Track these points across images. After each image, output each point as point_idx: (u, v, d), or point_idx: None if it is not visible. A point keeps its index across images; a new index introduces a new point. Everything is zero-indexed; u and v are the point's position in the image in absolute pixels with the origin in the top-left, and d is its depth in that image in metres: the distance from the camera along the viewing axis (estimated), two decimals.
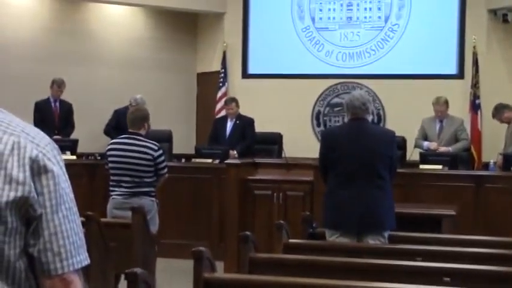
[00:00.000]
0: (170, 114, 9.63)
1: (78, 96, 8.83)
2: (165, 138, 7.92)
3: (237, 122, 8.01)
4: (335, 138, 4.61)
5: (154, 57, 9.83)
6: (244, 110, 8.21)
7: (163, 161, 5.28)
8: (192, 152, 7.91)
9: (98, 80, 9.42)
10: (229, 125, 8.04)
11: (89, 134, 8.91)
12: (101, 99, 9.29)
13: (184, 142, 9.37)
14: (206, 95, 9.93)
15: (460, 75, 8.87)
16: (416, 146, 7.76)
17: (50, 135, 1.55)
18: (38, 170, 1.42)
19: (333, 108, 9.30)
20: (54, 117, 8.40)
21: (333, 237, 4.45)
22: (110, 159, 5.30)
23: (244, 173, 6.69)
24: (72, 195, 1.48)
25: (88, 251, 1.50)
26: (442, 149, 7.55)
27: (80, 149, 7.89)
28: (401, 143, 7.40)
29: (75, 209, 1.48)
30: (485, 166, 7.71)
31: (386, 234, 4.42)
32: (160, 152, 5.27)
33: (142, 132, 5.32)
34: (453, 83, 8.80)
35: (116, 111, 8.43)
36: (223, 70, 9.57)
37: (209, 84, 9.82)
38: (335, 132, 4.93)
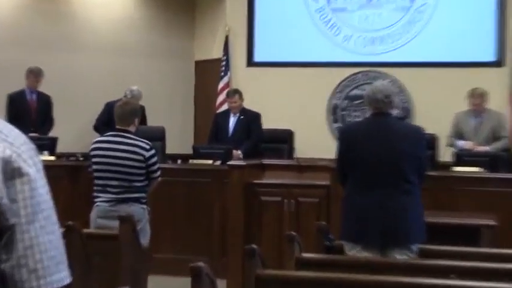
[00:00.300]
0: (163, 108, 9.63)
1: (58, 87, 8.83)
2: (157, 136, 7.92)
3: (241, 117, 8.01)
4: (354, 136, 4.60)
5: (146, 42, 9.83)
6: (249, 104, 8.20)
7: (155, 163, 5.28)
8: (190, 151, 7.90)
9: (80, 68, 9.42)
10: (232, 120, 8.04)
11: (71, 131, 8.92)
12: (84, 91, 9.30)
13: (180, 140, 9.36)
14: (205, 86, 9.92)
15: (498, 63, 8.84)
16: (449, 144, 7.73)
17: (26, 132, 1.53)
18: (11, 173, 1.40)
19: (352, 101, 9.27)
20: (30, 112, 8.40)
21: (353, 251, 4.43)
22: (94, 160, 5.30)
23: (250, 176, 6.68)
24: (51, 203, 1.47)
25: (69, 266, 1.48)
26: (479, 148, 7.52)
27: (59, 149, 7.89)
28: (432, 142, 7.37)
29: (54, 218, 1.46)
30: None
31: (415, 247, 4.40)
32: (153, 152, 5.26)
33: (132, 129, 5.31)
34: (491, 72, 8.76)
35: (108, 104, 8.41)
36: (225, 57, 9.56)
37: (209, 73, 9.81)
38: (354, 129, 4.92)
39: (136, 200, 5.22)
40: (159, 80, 9.83)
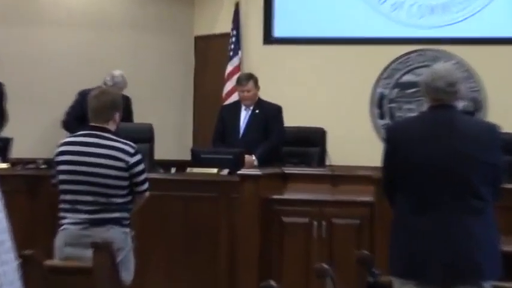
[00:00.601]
0: (153, 99, 9.64)
1: (13, 72, 8.86)
2: (144, 137, 7.95)
3: (256, 111, 8.00)
4: (406, 136, 4.59)
5: (130, 13, 9.84)
6: (266, 93, 8.20)
7: (142, 172, 5.28)
8: (187, 157, 7.89)
9: (44, 47, 9.43)
10: (244, 115, 8.03)
11: (30, 129, 8.94)
12: (50, 77, 9.31)
13: (174, 142, 9.37)
14: (209, 70, 9.91)
15: None
16: None
17: None
18: None
19: (404, 89, 9.25)
20: None
21: None
22: (60, 168, 5.30)
23: (268, 189, 6.69)
24: (4, 223, 1.48)
25: None
26: None
27: (15, 153, 7.91)
28: (511, 144, 7.34)
29: (8, 244, 1.47)
30: None
31: (487, 285, 4.39)
32: (139, 157, 5.26)
33: (112, 126, 5.31)
34: None
35: (82, 93, 8.41)
36: (235, 32, 9.56)
37: (213, 53, 9.81)
38: (407, 127, 4.90)
39: (117, 222, 5.21)
40: (147, 63, 9.83)
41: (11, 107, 8.63)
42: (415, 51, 9.25)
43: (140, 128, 8.19)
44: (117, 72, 8.41)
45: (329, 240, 6.54)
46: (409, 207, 4.48)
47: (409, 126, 4.84)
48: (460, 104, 4.60)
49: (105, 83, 8.23)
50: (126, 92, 8.30)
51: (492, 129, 4.64)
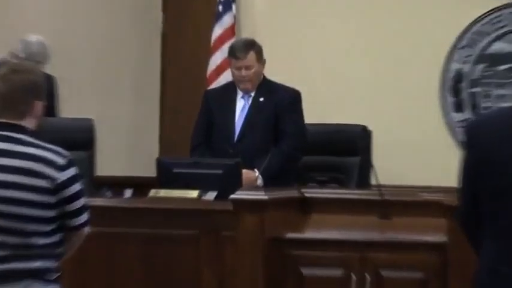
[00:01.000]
0: (94, 80, 9.67)
1: None
2: (79, 140, 7.98)
3: (261, 99, 8.02)
4: (499, 138, 4.53)
5: None
6: (276, 71, 8.21)
7: (79, 195, 5.22)
8: (152, 173, 7.91)
9: None
10: (241, 106, 8.09)
11: None
12: None
13: (130, 149, 9.38)
14: (185, 35, 9.94)
15: None
16: None
17: None
18: None
19: (494, 65, 9.28)
20: None
21: None
22: None
23: (279, 224, 6.70)
24: None
25: None
26: None
27: None
28: None
29: None
30: None
31: None
32: (73, 172, 5.21)
33: (30, 123, 5.27)
34: None
35: None
36: None
37: (192, 8, 9.84)
38: (498, 124, 4.84)
39: (38, 275, 5.16)
40: (84, 23, 9.88)
41: None
42: (506, 6, 9.26)
43: (74, 126, 8.21)
44: (33, 38, 8.43)
45: None
46: (504, 251, 4.42)
47: (502, 122, 4.77)
48: None
49: (14, 55, 8.20)
50: (48, 69, 8.27)
51: None
